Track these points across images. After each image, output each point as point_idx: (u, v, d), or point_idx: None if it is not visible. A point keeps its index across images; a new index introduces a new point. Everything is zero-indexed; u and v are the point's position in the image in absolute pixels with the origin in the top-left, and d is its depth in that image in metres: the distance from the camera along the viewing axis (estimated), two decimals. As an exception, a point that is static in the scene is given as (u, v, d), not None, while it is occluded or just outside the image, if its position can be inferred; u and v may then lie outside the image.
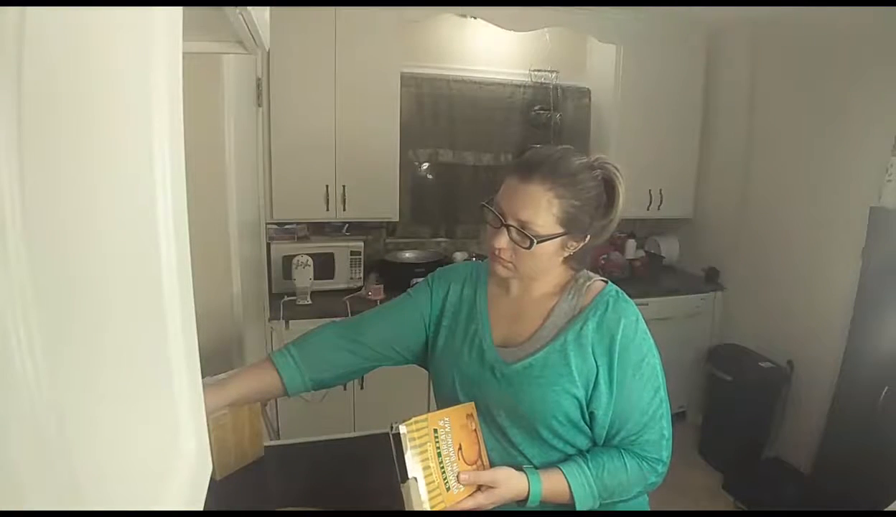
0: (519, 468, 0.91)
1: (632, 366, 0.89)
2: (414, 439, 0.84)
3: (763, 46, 2.76)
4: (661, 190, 3.02)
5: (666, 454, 0.92)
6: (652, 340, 0.93)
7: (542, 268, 0.94)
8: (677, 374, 3.03)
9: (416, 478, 0.82)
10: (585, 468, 0.90)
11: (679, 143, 3.05)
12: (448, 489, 0.85)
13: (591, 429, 0.93)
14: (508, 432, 0.94)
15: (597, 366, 0.89)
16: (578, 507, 0.89)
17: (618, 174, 0.92)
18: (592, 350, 0.89)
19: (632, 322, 0.91)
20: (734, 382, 2.63)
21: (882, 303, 2.12)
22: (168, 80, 0.40)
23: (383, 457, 1.27)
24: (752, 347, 2.74)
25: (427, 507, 0.83)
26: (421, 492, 0.82)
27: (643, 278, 2.98)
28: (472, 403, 0.94)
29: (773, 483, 2.38)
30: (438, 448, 0.86)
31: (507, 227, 0.89)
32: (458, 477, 0.86)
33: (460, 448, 0.89)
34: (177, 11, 0.41)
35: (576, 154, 0.92)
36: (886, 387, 2.03)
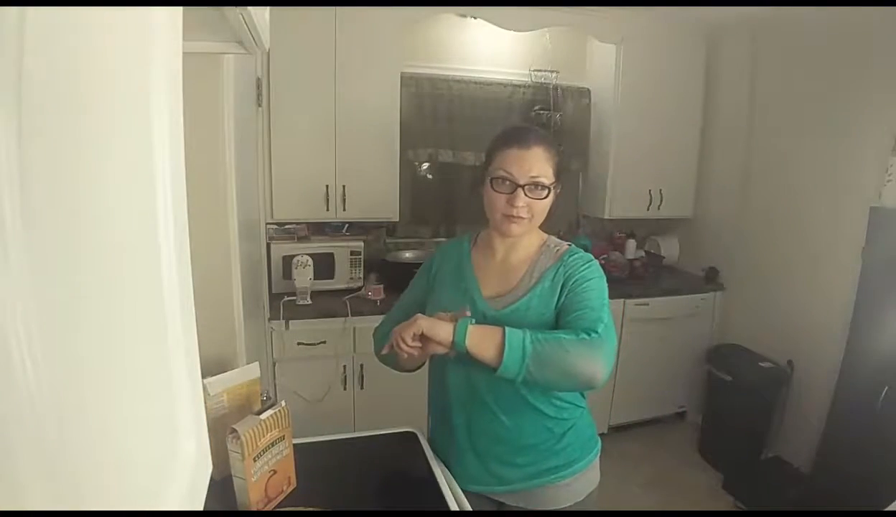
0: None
1: (584, 282, 1.09)
2: None
3: (763, 46, 2.76)
4: (661, 190, 3.01)
5: (601, 327, 1.02)
6: (605, 282, 1.12)
7: (543, 215, 1.12)
8: (677, 374, 3.03)
9: None
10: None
11: (679, 144, 3.05)
12: None
13: None
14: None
15: (564, 294, 1.09)
16: (507, 349, 0.96)
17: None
18: (562, 285, 1.10)
19: (589, 262, 1.12)
20: (734, 382, 2.63)
21: (882, 303, 2.11)
22: (168, 80, 0.40)
23: (383, 457, 1.28)
24: (752, 347, 2.74)
25: None
26: None
27: (643, 278, 2.98)
28: None
29: (773, 483, 2.37)
30: None
31: (521, 187, 1.06)
32: None
33: None
34: (177, 11, 0.42)
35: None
36: (886, 387, 2.03)
